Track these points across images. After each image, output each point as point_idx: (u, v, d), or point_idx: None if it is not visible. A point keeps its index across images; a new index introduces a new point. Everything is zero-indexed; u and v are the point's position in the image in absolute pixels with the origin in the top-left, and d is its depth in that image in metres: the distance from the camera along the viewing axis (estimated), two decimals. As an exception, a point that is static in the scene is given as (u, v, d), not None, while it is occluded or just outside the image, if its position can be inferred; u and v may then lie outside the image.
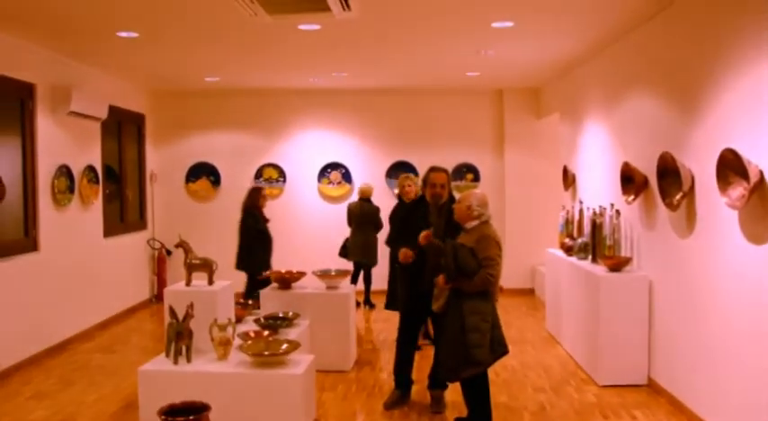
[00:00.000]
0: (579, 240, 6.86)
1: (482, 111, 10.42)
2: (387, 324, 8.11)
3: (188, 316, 4.62)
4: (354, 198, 9.46)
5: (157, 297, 9.81)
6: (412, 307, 5.30)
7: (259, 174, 10.37)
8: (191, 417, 1.89)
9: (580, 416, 5.09)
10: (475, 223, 4.61)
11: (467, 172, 10.37)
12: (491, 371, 4.85)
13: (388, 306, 6.70)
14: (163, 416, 1.92)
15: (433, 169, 5.30)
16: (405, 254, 5.12)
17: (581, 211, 7.30)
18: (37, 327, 6.80)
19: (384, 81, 9.48)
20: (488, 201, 4.70)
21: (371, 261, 8.83)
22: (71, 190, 7.58)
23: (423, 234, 4.81)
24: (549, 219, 9.33)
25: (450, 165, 9.36)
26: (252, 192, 8.15)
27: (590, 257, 6.51)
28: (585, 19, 5.84)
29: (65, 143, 7.52)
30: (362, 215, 8.81)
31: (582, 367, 6.27)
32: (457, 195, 5.15)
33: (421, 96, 10.31)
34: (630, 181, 5.88)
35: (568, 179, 8.31)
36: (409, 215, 5.45)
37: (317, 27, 6.01)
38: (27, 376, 6.23)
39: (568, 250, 7.05)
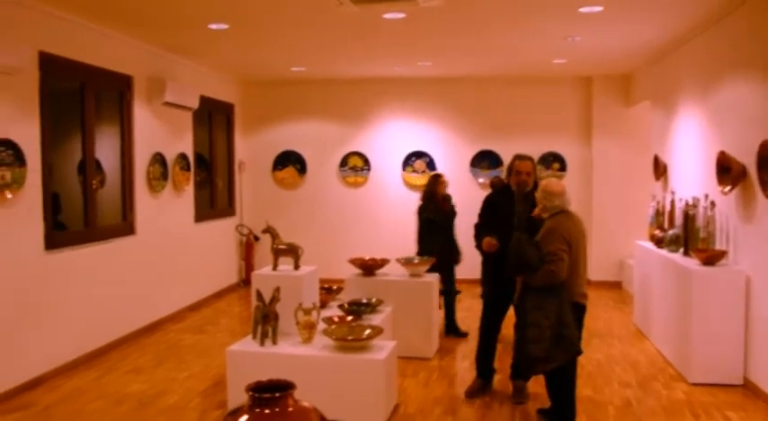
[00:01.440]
0: (670, 232, 6.62)
1: (569, 99, 10.19)
2: (468, 313, 8.07)
3: (274, 299, 4.75)
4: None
5: (245, 281, 10.12)
6: (495, 296, 5.27)
7: (344, 163, 10.50)
8: (276, 394, 1.94)
9: (668, 413, 4.93)
10: (546, 215, 4.53)
11: (553, 161, 10.17)
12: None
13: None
14: (250, 392, 1.98)
15: (518, 157, 5.24)
16: (488, 242, 5.08)
17: (672, 202, 7.04)
18: (133, 307, 7.14)
19: (469, 69, 9.40)
20: (561, 190, 4.52)
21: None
22: (165, 177, 7.89)
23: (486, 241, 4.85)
24: (639, 210, 9.06)
25: (535, 155, 9.23)
26: (430, 179, 8.24)
27: (681, 250, 6.28)
28: (678, 2, 5.60)
29: (159, 132, 7.84)
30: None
31: (671, 363, 6.06)
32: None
33: (506, 85, 10.17)
34: (727, 171, 5.63)
35: (659, 169, 8.03)
36: (494, 204, 5.40)
37: (401, 16, 6.01)
38: (124, 352, 6.57)
39: (659, 242, 6.82)
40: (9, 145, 5.27)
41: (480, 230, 5.30)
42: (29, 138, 5.53)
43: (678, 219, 6.65)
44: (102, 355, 6.42)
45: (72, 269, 6.13)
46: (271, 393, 2.01)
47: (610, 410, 4.99)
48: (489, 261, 5.26)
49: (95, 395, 5.34)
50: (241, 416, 2.03)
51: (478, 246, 5.25)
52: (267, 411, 2.00)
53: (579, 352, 4.42)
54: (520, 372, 5.24)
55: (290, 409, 2.03)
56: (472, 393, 5.30)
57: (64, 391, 5.44)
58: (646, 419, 4.82)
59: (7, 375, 5.27)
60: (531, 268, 4.32)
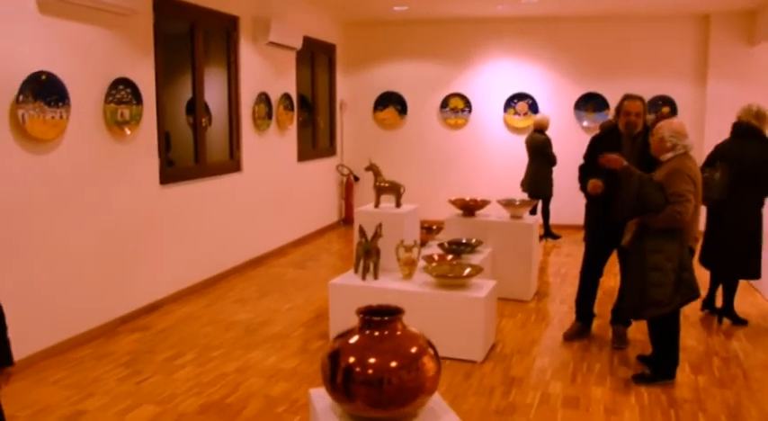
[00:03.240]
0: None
1: (682, 38, 9.62)
2: (568, 258, 7.97)
3: (376, 235, 4.84)
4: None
5: (345, 220, 10.34)
6: (598, 239, 5.15)
7: (445, 104, 10.41)
8: (385, 318, 1.99)
9: (779, 366, 4.75)
10: (669, 155, 4.31)
11: (662, 104, 9.70)
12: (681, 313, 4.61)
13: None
14: (361, 315, 2.05)
15: (627, 97, 5.02)
16: (594, 184, 4.95)
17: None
18: (239, 241, 7.45)
19: (574, 7, 9.01)
20: (686, 132, 4.34)
21: (541, 193, 8.57)
22: (269, 116, 8.08)
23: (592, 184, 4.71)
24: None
25: (644, 97, 8.81)
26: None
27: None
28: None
29: (264, 72, 7.99)
30: (532, 147, 8.59)
31: (784, 317, 5.80)
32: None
33: (614, 23, 9.70)
34: None
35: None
36: (600, 145, 5.23)
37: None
38: (231, 283, 6.90)
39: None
40: (127, 84, 5.53)
41: (585, 172, 5.16)
42: (144, 77, 5.77)
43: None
44: (210, 286, 6.77)
45: (184, 203, 6.43)
46: (380, 317, 2.07)
47: (714, 361, 4.85)
48: (593, 204, 5.13)
49: (206, 321, 5.66)
50: (351, 337, 2.11)
51: (583, 189, 5.12)
52: (377, 333, 2.06)
53: (698, 295, 4.30)
54: (621, 317, 5.16)
55: (399, 333, 2.09)
56: (571, 336, 5.27)
57: (177, 316, 5.79)
58: (753, 372, 4.65)
59: (127, 300, 5.66)
60: (654, 209, 4.16)
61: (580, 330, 5.32)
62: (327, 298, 5.17)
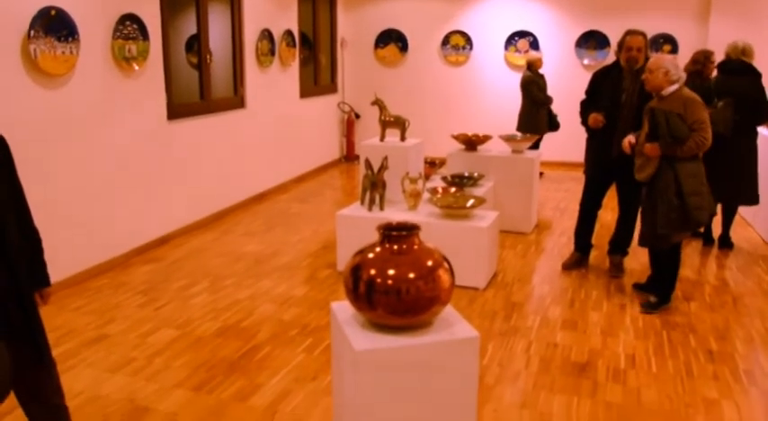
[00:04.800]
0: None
1: (687, -26, 9.55)
2: (567, 193, 8.13)
3: (383, 167, 4.97)
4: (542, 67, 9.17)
5: (346, 157, 10.45)
6: (598, 172, 5.29)
7: (446, 41, 10.38)
8: (404, 233, 2.15)
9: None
10: (674, 88, 4.40)
11: (663, 43, 9.69)
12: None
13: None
14: (381, 230, 2.20)
15: (629, 32, 5.09)
16: (595, 119, 5.06)
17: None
18: (244, 177, 7.58)
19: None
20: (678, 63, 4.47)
21: (531, 132, 8.58)
22: (272, 52, 8.10)
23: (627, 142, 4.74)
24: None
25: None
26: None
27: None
28: None
29: (266, 8, 7.96)
30: (520, 85, 8.61)
31: (776, 249, 6.00)
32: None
33: (619, -43, 9.61)
34: None
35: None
36: (602, 80, 5.31)
37: None
38: (238, 217, 7.06)
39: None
40: (134, 19, 5.56)
41: (586, 107, 5.26)
42: (150, 13, 5.79)
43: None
44: (217, 220, 6.93)
45: (190, 139, 6.53)
46: (399, 232, 2.22)
47: (706, 288, 5.06)
48: (594, 137, 5.25)
49: (216, 253, 5.84)
50: (370, 252, 2.27)
51: (584, 123, 5.23)
52: (396, 247, 2.22)
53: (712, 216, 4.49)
54: (618, 248, 5.35)
55: (416, 247, 2.25)
56: (569, 266, 5.47)
57: (187, 248, 5.97)
58: (742, 299, 4.87)
59: (139, 233, 5.83)
60: (682, 139, 4.26)
61: (578, 260, 5.51)
62: (333, 230, 5.33)
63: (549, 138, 8.79)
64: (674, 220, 4.33)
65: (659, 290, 4.70)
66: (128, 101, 5.60)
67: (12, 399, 2.78)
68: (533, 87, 8.41)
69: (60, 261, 4.89)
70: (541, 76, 8.59)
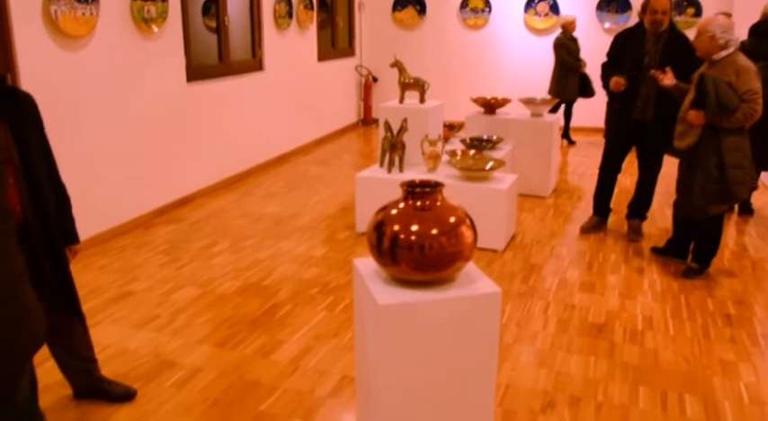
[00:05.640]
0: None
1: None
2: (586, 158, 8.10)
3: (402, 129, 4.97)
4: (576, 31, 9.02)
5: (364, 121, 10.43)
6: (619, 136, 5.25)
7: (464, 4, 10.24)
8: (427, 189, 2.17)
9: (788, 257, 4.95)
10: (724, 54, 4.16)
11: (687, 6, 9.51)
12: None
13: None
14: (405, 187, 2.23)
15: (654, -6, 5.00)
16: (616, 82, 5.01)
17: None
18: (264, 139, 7.61)
19: None
20: (732, 25, 4.19)
21: (561, 95, 8.47)
22: (290, 15, 8.05)
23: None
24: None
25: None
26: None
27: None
28: None
29: (285, -32, 7.91)
30: (552, 47, 8.50)
31: (796, 213, 5.96)
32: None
33: None
34: None
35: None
36: (624, 43, 5.25)
37: None
38: (258, 179, 7.11)
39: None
40: (152, -23, 5.55)
41: (608, 70, 5.21)
42: (169, -29, 5.78)
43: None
44: (237, 181, 6.99)
45: (210, 101, 6.55)
46: (422, 188, 2.24)
47: (725, 254, 5.05)
48: (615, 101, 5.20)
49: (237, 214, 5.90)
50: (393, 208, 2.29)
51: (605, 86, 5.19)
52: (419, 203, 2.25)
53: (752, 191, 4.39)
54: (636, 212, 5.35)
55: (439, 204, 2.27)
56: (587, 229, 5.47)
57: (209, 209, 6.03)
58: (762, 264, 4.86)
59: (160, 194, 5.89)
60: (732, 109, 4.04)
61: (597, 224, 5.52)
62: (351, 192, 5.35)
63: (578, 105, 8.73)
64: (711, 192, 4.18)
65: (702, 255, 4.62)
66: (147, 62, 5.62)
67: (44, 351, 2.87)
68: (562, 50, 8.32)
69: (84, 220, 4.95)
70: (573, 40, 8.46)
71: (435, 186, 2.27)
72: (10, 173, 2.35)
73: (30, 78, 4.46)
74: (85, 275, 4.51)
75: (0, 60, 4.25)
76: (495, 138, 5.98)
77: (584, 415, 2.98)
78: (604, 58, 5.28)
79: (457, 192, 4.80)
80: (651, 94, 4.90)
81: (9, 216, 1.63)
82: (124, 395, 3.07)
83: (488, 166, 4.95)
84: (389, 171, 5.12)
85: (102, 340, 3.60)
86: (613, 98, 5.22)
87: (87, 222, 4.99)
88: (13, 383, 1.76)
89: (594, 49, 8.37)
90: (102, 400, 3.04)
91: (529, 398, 3.10)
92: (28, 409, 1.87)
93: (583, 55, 8.54)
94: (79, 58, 4.90)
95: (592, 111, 8.92)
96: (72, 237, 2.81)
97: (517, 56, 10.08)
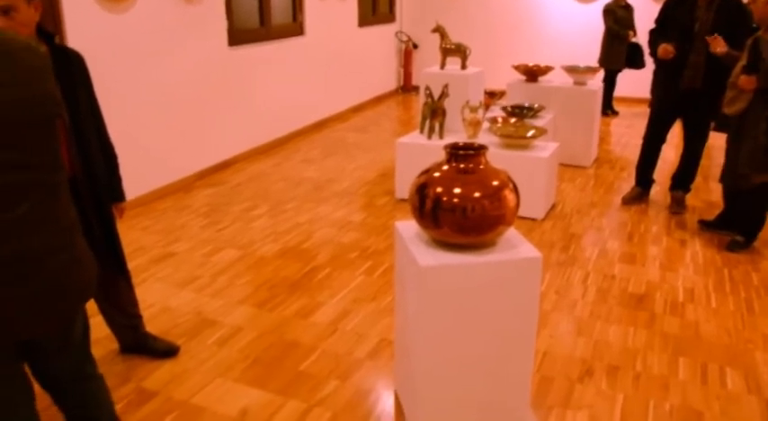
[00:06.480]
0: None
1: None
2: (629, 129, 7.95)
3: (443, 95, 4.93)
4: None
5: (403, 88, 10.36)
6: (666, 105, 5.13)
7: (508, -31, 10.04)
8: (470, 151, 2.15)
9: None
10: None
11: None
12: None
13: None
14: (448, 149, 2.21)
15: (707, -43, 4.83)
16: (664, 49, 4.87)
17: None
18: (303, 105, 7.62)
19: None
20: None
21: (605, 63, 8.27)
22: (331, -22, 7.99)
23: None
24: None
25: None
26: None
27: None
28: None
29: (326, -69, 7.83)
30: (602, 14, 8.28)
31: None
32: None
33: None
34: None
35: None
36: (674, 9, 5.10)
37: None
38: (297, 145, 7.14)
39: None
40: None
41: (656, 37, 5.07)
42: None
43: None
44: (277, 146, 7.02)
45: (251, 65, 6.56)
46: (466, 151, 2.23)
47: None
48: (663, 69, 5.07)
49: (276, 178, 5.94)
50: (436, 170, 2.28)
51: (653, 54, 5.05)
52: (462, 166, 2.23)
53: None
54: (680, 184, 5.24)
55: (482, 167, 2.26)
56: (629, 200, 5.39)
57: (249, 173, 6.09)
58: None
59: (200, 157, 5.96)
60: None
61: (639, 195, 5.43)
62: (389, 159, 5.32)
63: (624, 76, 8.53)
64: (758, 161, 4.08)
65: (749, 228, 4.53)
66: (190, 26, 5.64)
67: (93, 306, 2.94)
68: (609, 18, 8.11)
69: (127, 182, 5.01)
70: (625, 8, 8.19)
71: (479, 149, 2.25)
72: (61, 128, 2.39)
73: (76, 40, 4.51)
74: (130, 235, 4.60)
75: (48, 20, 4.31)
76: (536, 106, 5.89)
77: (621, 383, 2.97)
78: (653, 25, 5.14)
79: (497, 159, 4.76)
80: (700, 63, 4.76)
81: (61, 168, 1.67)
82: (167, 351, 3.15)
83: (529, 134, 4.89)
84: (429, 137, 5.09)
85: (146, 298, 3.69)
86: (661, 66, 5.09)
87: (130, 184, 5.01)
88: (67, 327, 1.82)
89: (640, 17, 8.17)
90: (147, 355, 3.13)
91: (566, 366, 3.10)
92: (82, 353, 1.94)
93: (636, 23, 8.30)
94: (123, 21, 4.94)
95: (638, 80, 8.72)
96: (119, 195, 2.87)
97: (560, 22, 9.86)
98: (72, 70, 2.49)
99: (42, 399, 2.01)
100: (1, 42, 1.53)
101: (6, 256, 1.53)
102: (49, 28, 4.29)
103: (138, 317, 3.11)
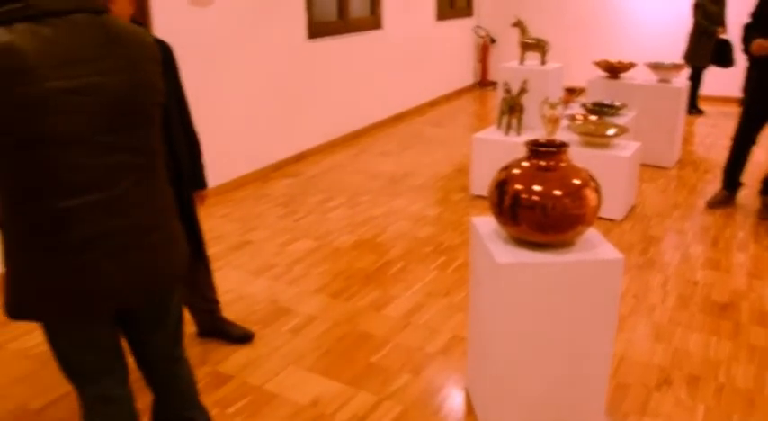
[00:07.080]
0: None
1: None
2: (715, 129, 7.63)
3: (522, 91, 4.86)
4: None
5: (480, 83, 10.27)
6: (759, 104, 4.89)
7: (592, -38, 9.78)
8: (552, 149, 2.11)
9: None
10: None
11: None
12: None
13: None
14: (530, 145, 2.17)
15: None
16: (759, 45, 4.65)
17: None
18: (380, 97, 7.65)
19: None
20: None
21: (689, 60, 7.93)
22: (411, -28, 7.97)
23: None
24: None
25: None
26: None
27: None
28: None
29: (409, -76, 7.81)
30: (692, 8, 7.94)
31: None
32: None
33: None
34: None
35: None
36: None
37: None
38: (374, 137, 7.18)
39: None
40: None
41: (751, 32, 4.84)
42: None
43: None
44: (353, 139, 7.08)
45: (329, 58, 6.63)
46: (547, 148, 2.19)
47: None
48: (757, 66, 4.84)
49: (352, 170, 5.99)
50: (516, 167, 2.25)
51: (746, 50, 4.83)
52: (543, 163, 2.20)
53: None
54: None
55: (563, 164, 2.21)
56: (714, 203, 5.18)
57: (325, 165, 6.16)
58: None
59: (278, 149, 6.06)
60: None
61: (725, 198, 5.21)
62: (466, 154, 5.28)
63: (712, 73, 8.20)
64: None
65: None
66: (271, 18, 5.74)
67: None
68: (698, 11, 7.78)
69: (208, 171, 5.19)
70: (717, 2, 7.83)
71: (560, 146, 2.21)
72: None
73: (162, 33, 4.65)
74: (209, 222, 4.73)
75: (137, 13, 4.46)
76: (617, 103, 5.73)
77: (702, 395, 2.86)
78: (748, 19, 4.91)
79: (576, 158, 4.66)
80: (799, 60, 4.54)
81: (159, 153, 1.73)
82: (243, 337, 3.22)
83: (610, 133, 4.76)
84: (507, 133, 5.03)
85: (223, 284, 3.78)
86: (755, 63, 4.86)
87: (209, 173, 5.21)
88: (162, 305, 1.89)
89: (731, 9, 7.83)
90: (223, 340, 3.21)
91: (644, 373, 3.01)
92: (175, 336, 2.00)
93: (729, 19, 7.94)
94: (207, 14, 5.07)
95: (728, 79, 8.37)
96: (201, 181, 2.95)
97: (643, 17, 9.54)
98: (162, 60, 2.57)
99: (134, 373, 2.09)
100: (118, 30, 1.59)
101: (110, 230, 1.61)
102: (139, 20, 4.45)
103: (216, 302, 3.19)
